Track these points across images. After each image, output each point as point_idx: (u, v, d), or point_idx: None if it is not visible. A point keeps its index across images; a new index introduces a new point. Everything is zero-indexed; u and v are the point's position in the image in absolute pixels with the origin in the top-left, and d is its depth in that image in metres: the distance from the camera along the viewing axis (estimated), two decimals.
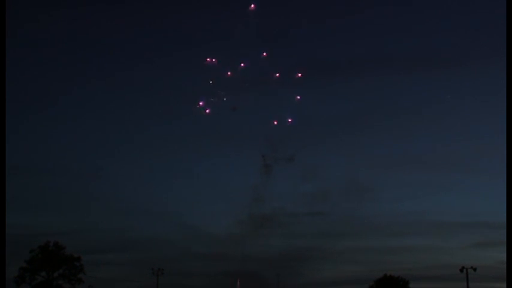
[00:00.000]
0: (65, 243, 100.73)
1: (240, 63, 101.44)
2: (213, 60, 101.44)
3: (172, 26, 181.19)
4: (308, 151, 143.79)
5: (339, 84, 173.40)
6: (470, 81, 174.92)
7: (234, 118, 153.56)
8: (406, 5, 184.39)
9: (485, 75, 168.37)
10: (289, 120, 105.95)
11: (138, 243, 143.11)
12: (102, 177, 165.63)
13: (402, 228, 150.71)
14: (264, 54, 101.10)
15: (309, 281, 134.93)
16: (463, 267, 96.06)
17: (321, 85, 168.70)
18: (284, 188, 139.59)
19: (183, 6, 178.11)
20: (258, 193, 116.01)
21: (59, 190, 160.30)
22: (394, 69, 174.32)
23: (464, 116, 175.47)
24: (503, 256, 78.49)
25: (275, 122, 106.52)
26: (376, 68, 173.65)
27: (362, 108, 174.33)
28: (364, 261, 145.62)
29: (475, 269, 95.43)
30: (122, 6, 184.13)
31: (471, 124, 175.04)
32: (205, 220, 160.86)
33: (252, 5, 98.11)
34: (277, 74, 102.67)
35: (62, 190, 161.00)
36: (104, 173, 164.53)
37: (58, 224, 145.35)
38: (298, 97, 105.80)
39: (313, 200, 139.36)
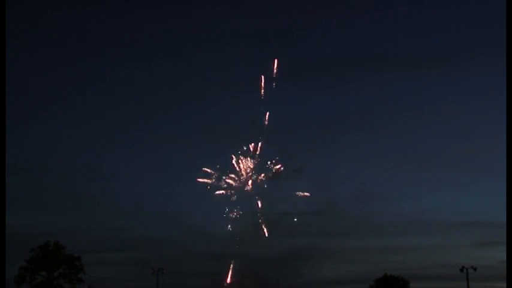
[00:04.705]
0: (65, 243, 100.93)
1: None
2: None
3: (179, 26, 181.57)
4: (309, 151, 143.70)
5: (339, 84, 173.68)
6: (471, 80, 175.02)
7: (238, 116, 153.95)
8: (408, 3, 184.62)
9: (487, 74, 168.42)
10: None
11: (138, 243, 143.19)
12: (102, 177, 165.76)
13: (402, 228, 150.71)
14: None
15: (309, 281, 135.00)
16: (463, 267, 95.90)
17: (322, 85, 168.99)
18: (285, 186, 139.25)
19: (191, 6, 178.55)
20: (262, 196, 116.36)
21: (60, 190, 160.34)
22: (396, 68, 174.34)
23: (466, 115, 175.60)
24: (503, 256, 78.27)
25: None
26: (378, 67, 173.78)
27: (363, 108, 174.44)
28: (364, 261, 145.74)
29: (475, 269, 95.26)
30: (130, 5, 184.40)
31: (472, 123, 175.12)
32: (206, 220, 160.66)
33: None
34: None
35: (63, 190, 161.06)
36: (104, 172, 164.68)
37: (58, 224, 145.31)
38: None
39: (314, 199, 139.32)
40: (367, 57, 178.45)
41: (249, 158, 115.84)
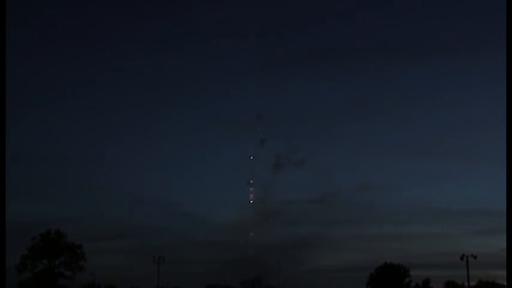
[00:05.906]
0: (66, 231, 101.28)
1: None
2: None
3: (180, 20, 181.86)
4: (311, 141, 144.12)
5: (340, 75, 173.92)
6: (473, 71, 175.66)
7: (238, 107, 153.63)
8: None
9: (488, 66, 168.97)
10: None
11: (139, 232, 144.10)
12: (104, 166, 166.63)
13: (403, 217, 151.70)
14: None
15: (310, 268, 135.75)
16: (463, 255, 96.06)
17: (324, 76, 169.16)
18: (286, 176, 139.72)
19: (192, 1, 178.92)
20: (263, 185, 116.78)
21: (61, 179, 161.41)
22: (397, 59, 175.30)
23: (467, 106, 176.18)
24: (503, 244, 78.57)
25: None
26: (379, 58, 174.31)
27: (365, 98, 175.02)
28: (365, 249, 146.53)
29: (475, 257, 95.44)
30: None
31: (473, 114, 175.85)
32: (207, 209, 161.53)
33: None
34: None
35: (64, 179, 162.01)
36: (106, 162, 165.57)
37: (59, 212, 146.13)
38: None
39: (315, 188, 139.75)
40: (369, 48, 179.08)
41: (251, 149, 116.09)
